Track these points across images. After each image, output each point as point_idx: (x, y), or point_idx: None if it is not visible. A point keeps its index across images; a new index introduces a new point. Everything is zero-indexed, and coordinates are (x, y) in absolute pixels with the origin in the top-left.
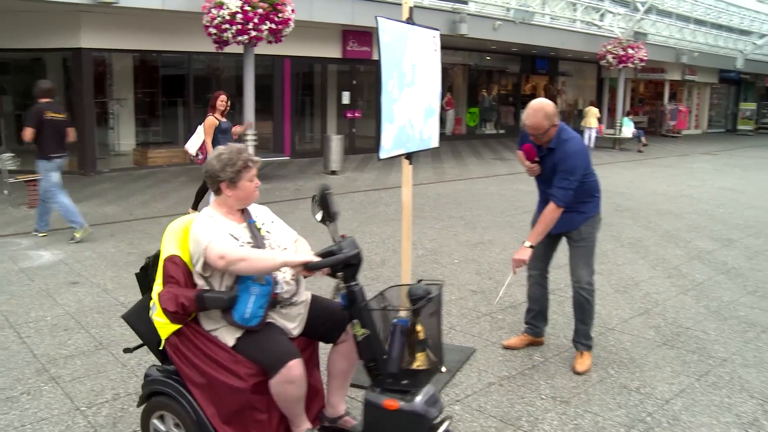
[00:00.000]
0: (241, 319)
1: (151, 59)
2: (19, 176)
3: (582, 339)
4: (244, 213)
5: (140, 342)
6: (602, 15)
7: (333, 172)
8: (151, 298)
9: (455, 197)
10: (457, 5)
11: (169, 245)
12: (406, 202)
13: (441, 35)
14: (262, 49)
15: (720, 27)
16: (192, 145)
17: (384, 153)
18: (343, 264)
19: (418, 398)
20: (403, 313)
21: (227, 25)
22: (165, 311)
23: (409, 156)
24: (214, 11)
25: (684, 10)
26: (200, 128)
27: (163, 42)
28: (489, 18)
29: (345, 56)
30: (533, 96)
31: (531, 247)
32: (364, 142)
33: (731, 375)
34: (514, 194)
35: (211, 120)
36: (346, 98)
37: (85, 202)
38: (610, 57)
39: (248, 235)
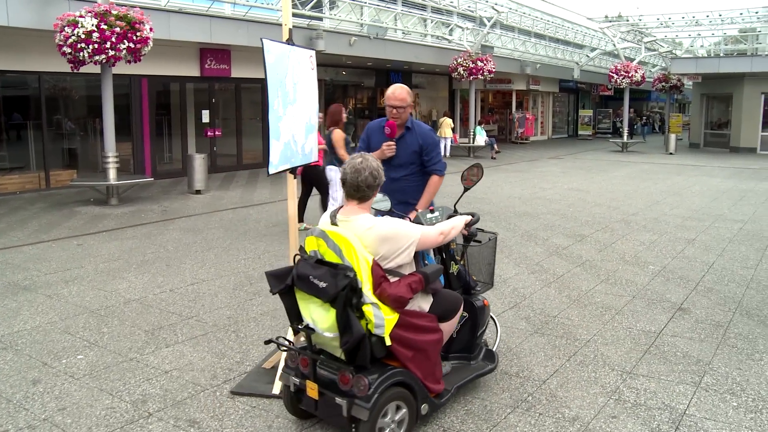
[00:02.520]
0: (442, 280)
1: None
2: None
3: None
4: None
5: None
6: (451, 30)
7: (197, 191)
8: (355, 311)
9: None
10: (313, 22)
11: (362, 251)
12: (292, 215)
13: None
14: (119, 68)
15: (558, 41)
16: None
17: (273, 168)
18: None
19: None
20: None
21: (83, 45)
22: (398, 300)
23: (293, 170)
24: (68, 29)
25: (526, 25)
26: None
27: (9, 61)
28: (345, 34)
29: (203, 74)
30: None
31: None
32: (225, 161)
33: (594, 353)
34: None
35: (340, 133)
36: (206, 117)
37: None
38: (461, 69)
39: None
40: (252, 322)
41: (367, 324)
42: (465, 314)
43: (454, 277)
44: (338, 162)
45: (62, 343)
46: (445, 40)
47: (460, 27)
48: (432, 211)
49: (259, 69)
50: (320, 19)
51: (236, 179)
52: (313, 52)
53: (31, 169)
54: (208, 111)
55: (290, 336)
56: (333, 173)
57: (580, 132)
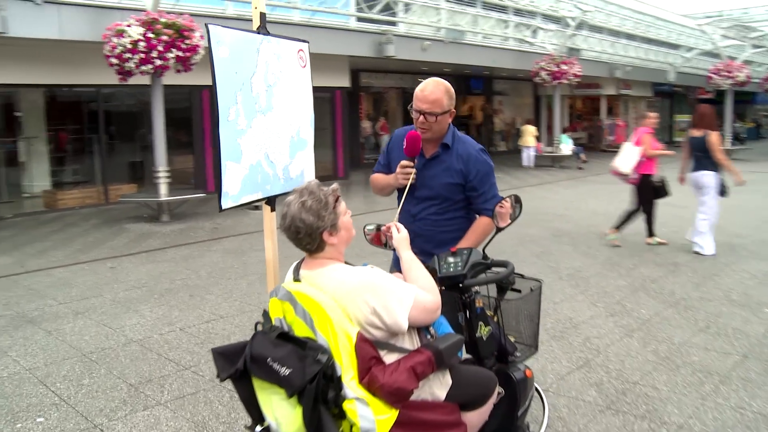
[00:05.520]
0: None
1: (62, 94)
2: None
3: None
4: None
5: None
6: (534, 32)
7: (256, 207)
8: (331, 410)
9: None
10: (384, 27)
11: (341, 321)
12: (271, 259)
13: (367, 58)
14: (179, 79)
15: (650, 41)
16: (625, 163)
17: (229, 201)
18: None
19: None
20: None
21: (129, 54)
22: (396, 393)
23: (271, 201)
24: (115, 40)
25: (614, 25)
26: (628, 145)
27: (69, 75)
28: (417, 38)
29: None
30: (470, 117)
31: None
32: None
33: None
34: None
35: (718, 136)
36: None
37: None
38: (544, 74)
39: None
40: None
41: (351, 427)
42: (501, 390)
43: (484, 343)
44: (714, 167)
45: (31, 398)
46: (527, 43)
47: (543, 29)
48: (455, 254)
49: (325, 77)
50: (393, 23)
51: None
52: (306, 45)
53: (95, 183)
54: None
55: None
56: (707, 179)
57: (675, 138)
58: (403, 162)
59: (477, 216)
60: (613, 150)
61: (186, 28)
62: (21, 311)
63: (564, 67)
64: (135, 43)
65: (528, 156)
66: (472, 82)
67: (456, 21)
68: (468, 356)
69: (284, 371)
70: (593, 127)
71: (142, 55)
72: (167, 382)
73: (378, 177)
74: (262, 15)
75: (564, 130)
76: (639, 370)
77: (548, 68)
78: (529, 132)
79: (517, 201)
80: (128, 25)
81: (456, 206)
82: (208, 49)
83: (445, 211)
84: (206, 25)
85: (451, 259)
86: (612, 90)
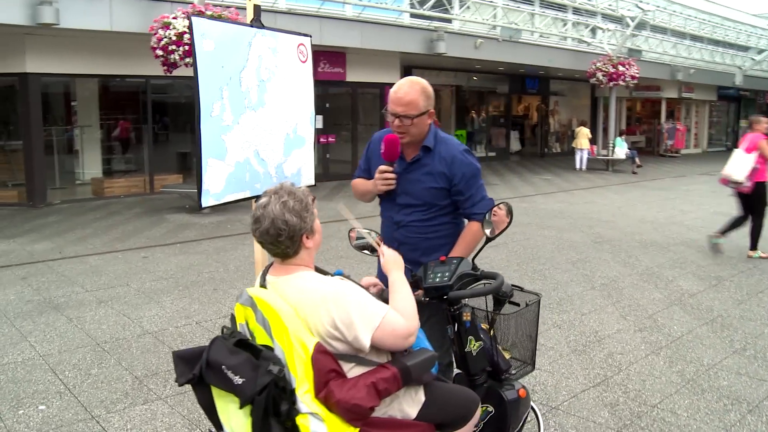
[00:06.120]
0: (436, 368)
1: (114, 84)
2: None
3: None
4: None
5: None
6: (593, 31)
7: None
8: (284, 423)
9: None
10: (438, 23)
11: (297, 330)
12: (259, 260)
13: (419, 55)
14: None
15: (717, 42)
16: (738, 170)
17: (210, 199)
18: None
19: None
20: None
21: (174, 47)
22: (353, 411)
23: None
24: (161, 32)
25: (676, 26)
26: (739, 152)
27: (120, 66)
28: (470, 36)
29: (316, 78)
30: (526, 117)
31: None
32: (338, 168)
33: None
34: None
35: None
36: (319, 122)
37: (18, 237)
38: (600, 75)
39: None
40: None
41: None
42: (490, 409)
43: (474, 358)
44: None
45: (38, 385)
46: (584, 42)
47: (602, 28)
48: (443, 263)
49: (377, 73)
50: (447, 20)
51: (346, 189)
52: (307, 39)
53: (142, 173)
54: (321, 116)
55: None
56: None
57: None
58: (381, 167)
59: (466, 221)
60: (671, 155)
61: (231, 21)
62: (49, 297)
63: (621, 68)
64: (180, 35)
65: (581, 158)
66: (527, 82)
67: (512, 19)
68: (458, 371)
69: (237, 380)
70: (652, 130)
71: (186, 48)
72: (171, 377)
73: (358, 183)
74: (257, 7)
75: (620, 133)
76: (660, 391)
77: (605, 69)
78: (583, 134)
79: (509, 211)
80: (174, 17)
81: (442, 212)
82: (191, 42)
83: (430, 217)
84: (189, 17)
85: (438, 269)
86: (673, 93)
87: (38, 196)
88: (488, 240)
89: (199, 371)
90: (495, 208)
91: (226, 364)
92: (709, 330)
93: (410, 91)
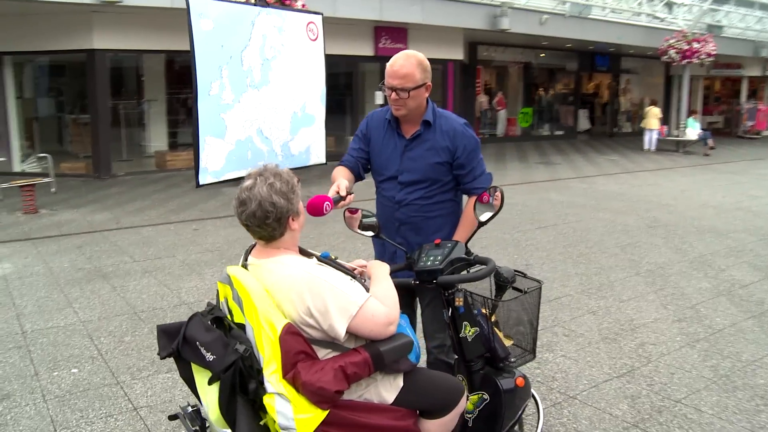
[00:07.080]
0: (416, 357)
1: (180, 59)
2: (14, 181)
3: None
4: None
5: None
6: (668, 6)
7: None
8: (254, 401)
9: None
10: None
11: (267, 311)
12: None
13: (483, 31)
14: None
15: None
16: None
17: (208, 177)
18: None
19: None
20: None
21: None
22: (318, 393)
23: None
24: None
25: None
26: None
27: (184, 41)
28: (535, 12)
29: (377, 53)
30: (596, 95)
31: None
32: None
33: None
34: (538, 204)
35: None
36: (379, 98)
37: (82, 207)
38: (672, 52)
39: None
40: None
41: (274, 422)
42: (485, 396)
43: (469, 344)
44: None
45: (74, 349)
46: (657, 18)
47: (677, 3)
48: (438, 246)
49: (440, 49)
50: None
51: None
52: (318, 17)
53: None
54: (381, 92)
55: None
56: None
57: None
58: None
59: (466, 197)
60: (751, 137)
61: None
62: (99, 266)
63: (696, 45)
64: None
65: (650, 139)
66: (597, 59)
67: None
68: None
69: (209, 357)
70: (731, 111)
71: None
72: None
73: (340, 172)
74: None
75: (691, 113)
76: (687, 386)
77: (678, 46)
78: (653, 114)
79: (497, 191)
80: None
81: (444, 188)
82: (188, 22)
83: (432, 194)
84: None
85: (431, 252)
86: (756, 71)
87: (104, 168)
88: (480, 224)
89: (176, 346)
90: (496, 193)
91: (200, 340)
92: (755, 324)
93: (406, 63)
